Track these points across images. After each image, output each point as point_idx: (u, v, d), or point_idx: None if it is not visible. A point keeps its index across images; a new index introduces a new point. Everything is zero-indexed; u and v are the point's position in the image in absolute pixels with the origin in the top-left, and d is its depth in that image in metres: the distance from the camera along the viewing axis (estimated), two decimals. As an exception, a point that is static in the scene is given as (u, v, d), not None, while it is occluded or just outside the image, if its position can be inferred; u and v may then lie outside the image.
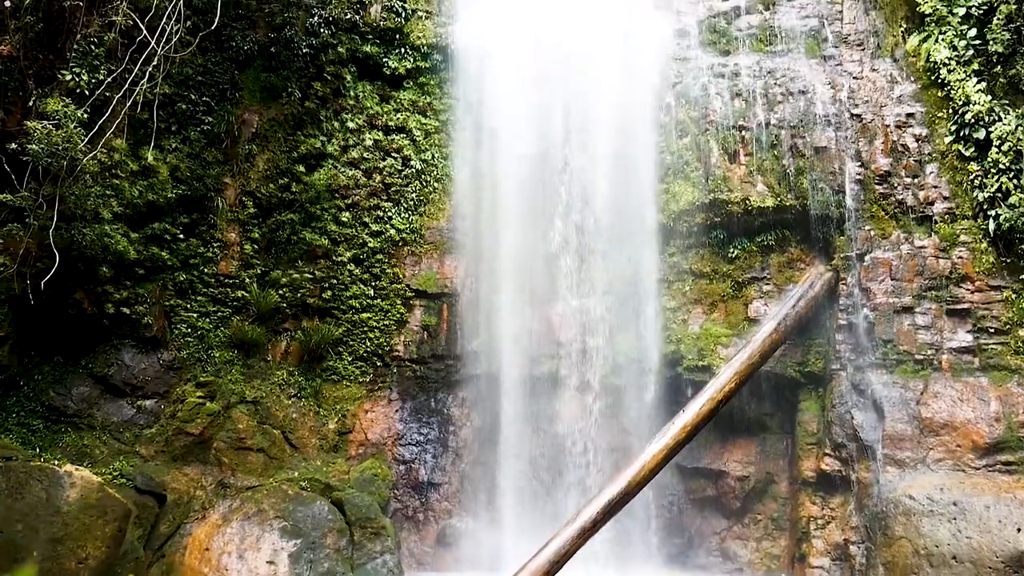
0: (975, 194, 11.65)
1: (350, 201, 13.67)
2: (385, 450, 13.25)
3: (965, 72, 11.88)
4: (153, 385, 12.63)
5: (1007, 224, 11.27)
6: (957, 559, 10.15)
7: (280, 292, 13.35)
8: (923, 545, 10.39)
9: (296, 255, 13.49)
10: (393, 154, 13.88)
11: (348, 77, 13.92)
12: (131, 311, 12.36)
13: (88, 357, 12.43)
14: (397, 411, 13.52)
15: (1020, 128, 11.28)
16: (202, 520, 11.46)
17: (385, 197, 13.79)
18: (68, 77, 11.29)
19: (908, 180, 12.18)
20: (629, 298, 13.08)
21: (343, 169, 13.69)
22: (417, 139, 13.95)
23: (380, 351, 13.49)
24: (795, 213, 12.63)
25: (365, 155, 13.79)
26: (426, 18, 14.26)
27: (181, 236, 12.94)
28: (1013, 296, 11.42)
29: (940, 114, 12.13)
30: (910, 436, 11.25)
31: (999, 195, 11.38)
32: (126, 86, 11.39)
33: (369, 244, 13.63)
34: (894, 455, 11.24)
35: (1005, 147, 11.31)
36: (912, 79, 12.63)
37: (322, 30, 13.58)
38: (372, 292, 13.57)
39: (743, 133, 12.93)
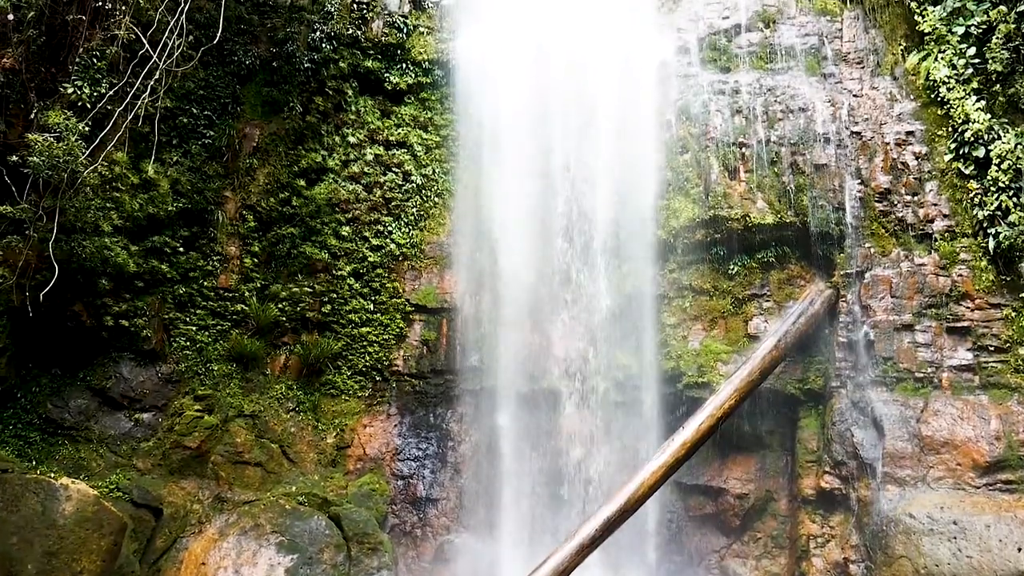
0: (975, 212, 11.67)
1: (350, 215, 13.68)
2: (383, 465, 13.20)
3: (964, 91, 11.92)
4: (151, 398, 12.59)
5: (1007, 242, 11.28)
6: (958, 579, 10.09)
7: (280, 306, 13.34)
8: (923, 564, 10.34)
9: (296, 269, 13.49)
10: (394, 169, 13.91)
11: (349, 92, 13.97)
12: (130, 324, 12.34)
13: (86, 370, 12.39)
14: (396, 426, 13.48)
15: (1020, 147, 11.31)
16: (198, 534, 11.40)
17: (385, 211, 13.81)
18: (70, 90, 11.31)
19: (908, 198, 12.19)
20: (629, 314, 13.07)
21: (344, 183, 13.71)
22: (418, 154, 13.99)
23: (379, 365, 13.47)
24: (795, 230, 12.64)
25: (366, 170, 13.81)
26: (427, 34, 14.33)
27: (181, 249, 12.94)
28: (1013, 314, 11.41)
29: (940, 132, 12.16)
30: (910, 454, 11.21)
31: (999, 213, 11.40)
32: (128, 99, 11.39)
33: (369, 258, 13.63)
34: (894, 473, 11.20)
35: (1005, 165, 11.33)
36: (912, 97, 12.68)
37: (324, 45, 13.64)
38: (372, 306, 13.56)
39: (743, 150, 12.96)
